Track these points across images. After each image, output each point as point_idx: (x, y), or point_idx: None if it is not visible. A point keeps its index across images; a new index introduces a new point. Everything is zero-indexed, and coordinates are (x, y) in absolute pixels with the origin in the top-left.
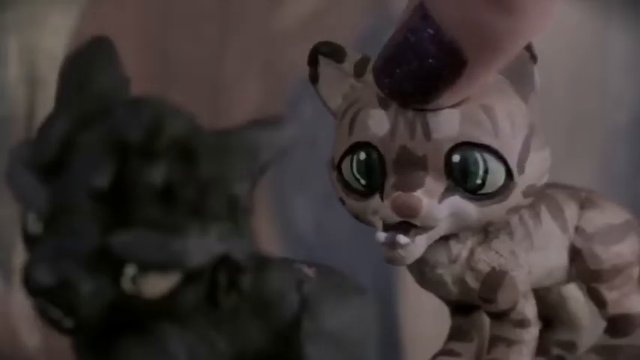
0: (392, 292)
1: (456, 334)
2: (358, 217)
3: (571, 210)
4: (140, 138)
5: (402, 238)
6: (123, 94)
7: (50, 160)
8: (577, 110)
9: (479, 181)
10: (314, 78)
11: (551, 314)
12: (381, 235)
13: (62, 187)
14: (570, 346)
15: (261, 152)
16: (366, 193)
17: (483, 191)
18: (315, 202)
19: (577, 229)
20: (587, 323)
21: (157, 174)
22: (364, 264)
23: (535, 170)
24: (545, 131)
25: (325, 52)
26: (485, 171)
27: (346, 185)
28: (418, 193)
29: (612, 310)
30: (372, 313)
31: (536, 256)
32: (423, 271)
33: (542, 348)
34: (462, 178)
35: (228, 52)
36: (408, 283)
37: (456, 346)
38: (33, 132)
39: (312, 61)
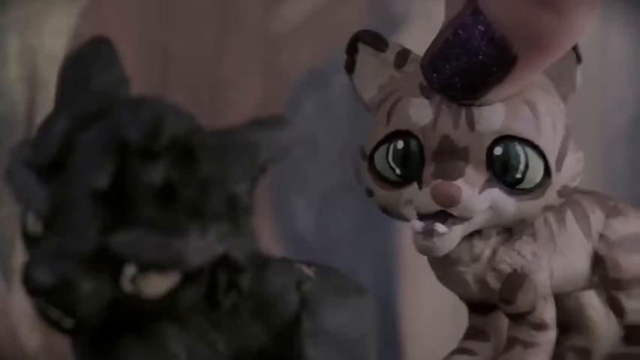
0: (392, 292)
1: (472, 333)
2: (387, 208)
3: (596, 216)
4: (140, 138)
5: (440, 227)
6: (123, 94)
7: (50, 160)
8: (577, 110)
9: (519, 176)
10: (350, 67)
11: (568, 320)
12: (418, 224)
13: (62, 187)
14: (585, 353)
15: (261, 152)
16: (400, 183)
17: (522, 186)
18: (315, 202)
19: (601, 236)
20: (604, 331)
21: (157, 174)
22: (364, 264)
23: (570, 171)
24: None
25: (367, 40)
26: (526, 166)
27: (377, 175)
28: (459, 182)
29: (630, 318)
30: (372, 313)
31: (559, 259)
32: (444, 267)
33: (557, 353)
34: (502, 171)
35: (228, 52)
36: (408, 283)
37: (472, 345)
38: (33, 132)
39: (351, 49)
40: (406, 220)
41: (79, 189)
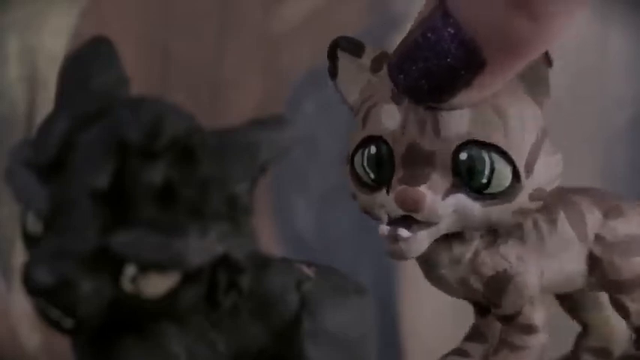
0: (392, 292)
1: (473, 334)
2: (368, 211)
3: (594, 217)
4: (140, 138)
5: (403, 232)
6: (123, 94)
7: (50, 160)
8: (577, 110)
9: (484, 180)
10: (333, 72)
11: (587, 320)
12: (384, 228)
13: (62, 186)
14: (605, 354)
15: (261, 152)
16: (375, 187)
17: (488, 191)
18: (315, 202)
19: (597, 237)
20: (623, 331)
21: (157, 174)
22: (364, 264)
23: (544, 174)
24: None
25: (344, 46)
26: (492, 170)
27: (357, 179)
28: (422, 188)
29: (637, 321)
30: (372, 313)
31: (549, 261)
32: (427, 269)
33: (573, 355)
34: (467, 176)
35: (228, 52)
36: (408, 283)
37: (469, 346)
38: (33, 132)
39: (332, 56)
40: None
41: (79, 189)
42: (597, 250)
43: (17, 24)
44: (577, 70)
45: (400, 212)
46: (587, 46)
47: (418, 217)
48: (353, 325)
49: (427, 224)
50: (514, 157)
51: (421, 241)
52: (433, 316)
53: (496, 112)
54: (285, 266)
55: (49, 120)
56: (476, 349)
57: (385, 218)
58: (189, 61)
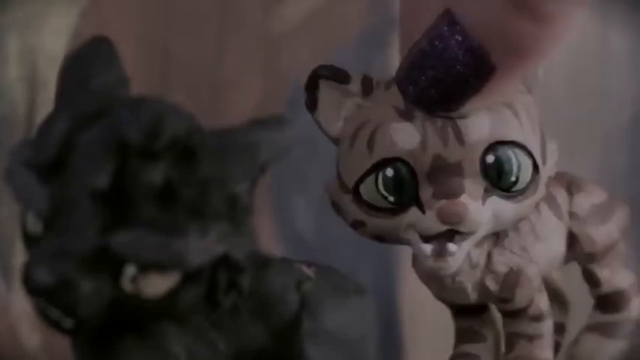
0: (392, 292)
1: (466, 335)
2: (383, 236)
3: (561, 196)
4: (140, 138)
5: (451, 246)
6: (123, 94)
7: (50, 160)
8: (577, 110)
9: (513, 179)
10: (312, 105)
11: None
12: (427, 247)
13: (62, 186)
14: (560, 329)
15: (261, 152)
16: (396, 209)
17: (517, 188)
18: (315, 202)
19: (571, 214)
20: (575, 306)
21: (157, 174)
22: (364, 264)
23: (552, 161)
24: (545, 131)
25: (328, 75)
26: (519, 167)
27: (368, 206)
28: (463, 199)
29: (606, 287)
30: (372, 313)
31: (541, 247)
32: (442, 281)
33: None
34: (497, 178)
35: (228, 52)
36: (408, 283)
37: (470, 348)
38: (33, 132)
39: (311, 86)
40: (407, 244)
41: (79, 189)
42: (575, 227)
43: (17, 24)
44: (577, 69)
45: (439, 228)
46: (587, 46)
47: (461, 228)
48: (353, 325)
49: (468, 234)
50: (532, 149)
51: (464, 252)
52: (433, 316)
53: (509, 109)
54: (285, 266)
55: (49, 120)
56: (478, 349)
57: (416, 237)
58: (189, 61)
